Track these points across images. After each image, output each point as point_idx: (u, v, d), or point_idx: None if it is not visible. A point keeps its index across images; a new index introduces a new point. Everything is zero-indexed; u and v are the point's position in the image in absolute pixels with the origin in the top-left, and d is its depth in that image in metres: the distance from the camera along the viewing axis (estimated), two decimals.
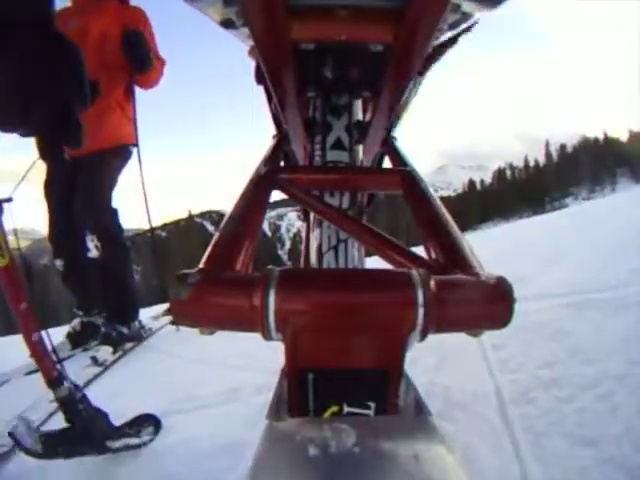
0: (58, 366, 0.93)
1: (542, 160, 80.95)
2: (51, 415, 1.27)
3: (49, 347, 0.92)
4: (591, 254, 1.78)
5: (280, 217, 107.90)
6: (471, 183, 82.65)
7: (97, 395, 1.43)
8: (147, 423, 1.10)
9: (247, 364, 1.43)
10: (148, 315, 2.46)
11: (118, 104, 2.04)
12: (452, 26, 0.61)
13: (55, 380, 0.91)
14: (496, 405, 1.01)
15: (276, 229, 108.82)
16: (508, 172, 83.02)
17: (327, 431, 0.29)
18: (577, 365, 1.11)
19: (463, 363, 1.26)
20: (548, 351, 1.22)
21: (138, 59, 1.92)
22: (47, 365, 0.91)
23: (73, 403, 0.92)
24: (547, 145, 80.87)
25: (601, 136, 77.85)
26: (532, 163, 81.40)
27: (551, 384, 1.05)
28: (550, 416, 0.94)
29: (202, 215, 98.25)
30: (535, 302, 1.69)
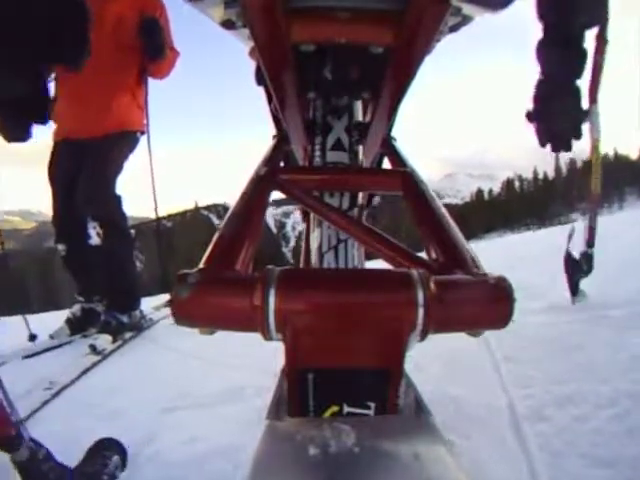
0: (15, 420, 0.68)
1: (551, 173, 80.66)
2: (45, 403, 1.25)
3: (2, 397, 0.68)
4: (600, 270, 1.76)
5: (286, 215, 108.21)
6: (479, 192, 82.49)
7: (94, 386, 1.41)
8: (110, 452, 0.85)
9: (247, 362, 1.40)
10: (150, 305, 2.45)
11: (129, 89, 2.02)
12: (453, 29, 0.62)
13: (12, 441, 0.66)
14: (510, 421, 0.98)
15: (281, 227, 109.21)
16: (517, 183, 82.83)
17: (327, 431, 0.30)
18: (591, 382, 1.08)
19: (475, 375, 1.23)
20: (561, 367, 1.20)
21: (152, 47, 1.91)
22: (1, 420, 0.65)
23: (36, 466, 0.69)
24: (557, 159, 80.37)
25: (611, 152, 77.39)
26: (541, 175, 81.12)
27: (565, 401, 1.02)
28: (565, 435, 0.90)
29: (208, 208, 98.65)
30: (545, 315, 1.69)
